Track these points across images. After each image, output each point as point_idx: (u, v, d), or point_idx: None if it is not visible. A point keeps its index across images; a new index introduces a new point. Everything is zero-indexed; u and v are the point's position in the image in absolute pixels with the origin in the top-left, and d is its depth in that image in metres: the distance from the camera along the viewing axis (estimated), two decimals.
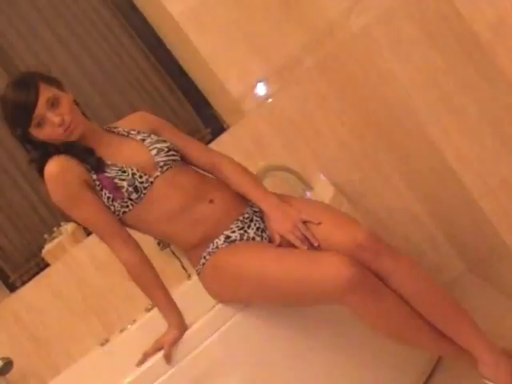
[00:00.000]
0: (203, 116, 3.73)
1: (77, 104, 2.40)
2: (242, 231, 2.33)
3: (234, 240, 2.32)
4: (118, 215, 2.31)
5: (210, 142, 3.39)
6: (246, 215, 2.37)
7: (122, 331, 3.30)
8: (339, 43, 2.88)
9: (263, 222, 2.37)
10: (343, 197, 3.13)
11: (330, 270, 2.03)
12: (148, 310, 3.23)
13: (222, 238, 2.32)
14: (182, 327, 2.29)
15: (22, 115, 2.22)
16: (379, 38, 2.33)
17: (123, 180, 2.26)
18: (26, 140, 2.32)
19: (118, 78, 3.72)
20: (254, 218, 2.37)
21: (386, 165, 3.27)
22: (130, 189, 2.26)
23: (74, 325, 3.40)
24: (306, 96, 3.29)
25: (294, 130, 3.31)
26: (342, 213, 2.38)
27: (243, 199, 2.41)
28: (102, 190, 2.28)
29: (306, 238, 2.19)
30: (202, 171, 2.47)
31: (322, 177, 3.28)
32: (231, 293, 2.30)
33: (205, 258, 2.33)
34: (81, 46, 3.71)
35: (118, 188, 2.26)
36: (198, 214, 2.32)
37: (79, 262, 3.40)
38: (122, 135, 2.43)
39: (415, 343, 2.20)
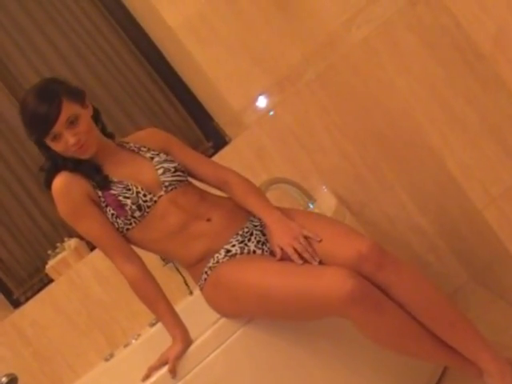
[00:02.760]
0: (205, 129, 3.73)
1: (97, 115, 2.46)
2: (242, 245, 2.33)
3: (235, 254, 2.31)
4: (121, 232, 2.32)
5: (212, 155, 3.39)
6: (246, 229, 2.38)
7: (126, 346, 3.30)
8: (340, 55, 2.88)
9: (264, 235, 2.37)
10: (346, 208, 3.13)
11: (332, 283, 2.02)
12: (152, 325, 3.23)
13: (223, 252, 2.32)
14: (187, 341, 2.28)
15: (39, 127, 2.24)
16: (379, 49, 2.33)
17: (127, 198, 2.28)
18: (40, 145, 2.33)
19: (118, 92, 3.71)
20: (254, 231, 2.38)
21: (388, 175, 3.27)
22: (134, 207, 2.28)
23: (78, 340, 3.40)
24: (307, 108, 3.29)
25: (295, 142, 3.31)
26: (345, 225, 2.37)
27: (242, 214, 2.42)
28: (106, 206, 2.30)
29: (307, 252, 2.18)
30: (201, 189, 2.48)
31: (325, 189, 3.28)
32: (233, 307, 2.29)
33: (206, 273, 2.33)
34: (79, 59, 3.71)
35: (121, 206, 2.27)
36: (196, 231, 2.33)
37: (83, 277, 3.40)
38: (133, 151, 2.45)
39: (419, 355, 2.19)
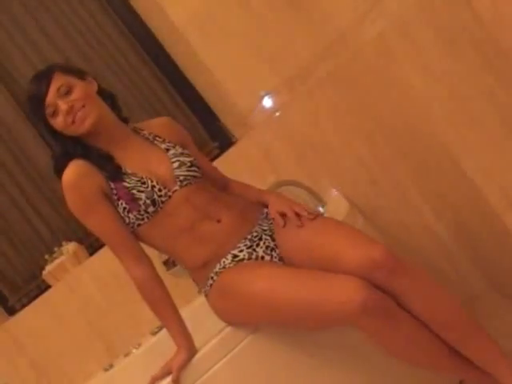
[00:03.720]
0: (210, 130, 3.73)
1: (112, 98, 2.47)
2: (250, 250, 2.32)
3: (242, 259, 2.30)
4: (132, 227, 2.31)
5: (217, 156, 3.39)
6: (255, 233, 2.37)
7: (126, 355, 3.28)
8: (352, 52, 2.87)
9: (273, 240, 2.36)
10: (358, 212, 3.11)
11: (342, 294, 2.01)
12: (154, 334, 3.21)
13: (230, 257, 2.31)
14: (192, 350, 2.27)
15: (35, 105, 2.28)
16: (394, 45, 2.32)
17: (141, 192, 2.27)
18: (47, 130, 2.34)
19: (122, 91, 3.71)
20: (264, 236, 2.37)
21: (402, 178, 3.24)
22: (148, 201, 2.27)
23: (77, 349, 3.40)
24: (318, 107, 3.27)
25: (305, 143, 3.30)
26: (357, 230, 2.34)
27: (252, 217, 2.43)
28: (118, 199, 2.28)
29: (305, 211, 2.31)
30: (215, 190, 2.48)
31: (335, 191, 3.27)
32: (239, 315, 2.28)
33: (212, 278, 2.32)
34: (83, 58, 3.72)
35: (134, 200, 2.26)
36: (205, 232, 2.32)
37: (81, 283, 3.40)
38: (147, 139, 2.45)
39: (434, 367, 2.18)
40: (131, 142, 2.42)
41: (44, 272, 3.52)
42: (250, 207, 2.47)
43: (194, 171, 2.38)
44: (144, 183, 2.28)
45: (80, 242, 3.63)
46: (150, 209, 2.27)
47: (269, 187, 2.99)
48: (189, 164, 2.37)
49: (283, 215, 2.37)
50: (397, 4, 2.45)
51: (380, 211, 3.30)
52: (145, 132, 2.48)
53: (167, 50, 3.73)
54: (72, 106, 2.26)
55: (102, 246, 3.45)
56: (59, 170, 2.31)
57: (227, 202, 2.43)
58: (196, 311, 3.03)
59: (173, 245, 2.35)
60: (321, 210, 3.11)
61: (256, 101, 3.34)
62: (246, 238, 2.35)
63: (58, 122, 2.28)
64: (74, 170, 2.28)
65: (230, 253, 2.32)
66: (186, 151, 2.43)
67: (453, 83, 2.25)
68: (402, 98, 2.53)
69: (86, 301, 3.39)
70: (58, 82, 2.28)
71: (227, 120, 3.66)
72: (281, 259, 2.32)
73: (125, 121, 2.50)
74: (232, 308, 2.28)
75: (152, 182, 2.29)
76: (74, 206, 2.28)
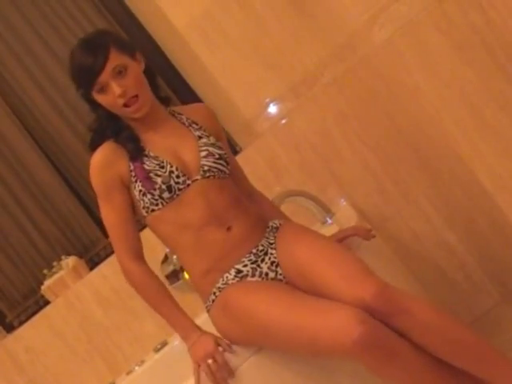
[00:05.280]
0: None
1: (152, 75, 2.47)
2: (254, 265, 2.34)
3: (246, 275, 2.33)
4: (146, 211, 2.33)
5: None
6: (261, 247, 2.38)
7: (128, 373, 3.29)
8: (360, 57, 2.89)
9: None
10: (367, 223, 3.12)
11: (339, 328, 2.01)
12: (157, 351, 3.23)
13: (233, 272, 2.33)
14: (208, 334, 2.29)
15: (86, 78, 2.29)
16: (404, 50, 2.35)
17: (159, 176, 2.29)
18: (89, 102, 2.38)
19: None
20: (269, 250, 2.38)
21: (412, 187, 3.26)
22: (163, 187, 2.28)
23: (77, 367, 3.41)
24: (325, 114, 3.28)
25: (311, 151, 3.31)
26: (353, 262, 2.27)
27: (261, 229, 2.43)
28: (136, 181, 2.32)
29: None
30: (237, 193, 2.48)
31: (344, 201, 3.29)
32: (239, 335, 2.29)
33: (214, 294, 2.34)
34: None
35: (151, 182, 2.29)
36: (211, 238, 2.33)
37: (82, 298, 3.40)
38: (183, 124, 2.48)
39: None
40: (166, 125, 2.45)
41: (43, 287, 3.53)
42: (263, 219, 2.48)
43: (221, 165, 2.39)
44: (163, 167, 2.31)
45: (80, 256, 3.64)
46: (165, 194, 2.29)
47: (275, 198, 3.00)
48: (217, 156, 2.38)
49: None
50: (407, 8, 2.48)
51: (390, 220, 3.31)
52: (183, 116, 2.50)
53: (167, 55, 3.74)
54: (125, 90, 2.28)
55: (102, 260, 3.49)
56: (92, 146, 2.40)
57: (244, 209, 2.43)
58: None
59: (176, 241, 2.37)
60: (329, 221, 3.14)
61: (261, 108, 3.35)
62: (251, 253, 2.36)
63: (106, 100, 2.31)
64: (102, 157, 2.36)
65: (233, 267, 2.34)
66: (218, 143, 2.44)
67: (464, 88, 2.29)
68: (411, 103, 2.56)
69: (87, 317, 3.39)
70: (114, 61, 2.28)
71: (231, 128, 3.66)
72: (285, 275, 2.34)
73: (164, 100, 2.53)
74: (232, 328, 2.30)
75: (172, 167, 2.31)
76: (95, 188, 2.38)
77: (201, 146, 2.38)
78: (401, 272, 3.05)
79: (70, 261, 3.54)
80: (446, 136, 2.40)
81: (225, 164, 2.41)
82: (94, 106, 2.38)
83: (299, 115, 3.32)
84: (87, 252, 3.69)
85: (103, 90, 2.29)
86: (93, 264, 3.61)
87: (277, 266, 2.35)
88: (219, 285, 2.33)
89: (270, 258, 2.36)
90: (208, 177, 2.34)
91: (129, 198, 2.35)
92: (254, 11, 3.30)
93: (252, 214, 2.45)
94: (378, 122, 3.18)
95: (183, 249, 2.38)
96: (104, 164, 2.35)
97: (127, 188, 2.35)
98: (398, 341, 2.07)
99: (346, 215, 3.10)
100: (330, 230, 2.85)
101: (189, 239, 2.34)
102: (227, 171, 2.42)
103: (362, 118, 3.24)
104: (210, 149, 2.38)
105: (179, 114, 2.52)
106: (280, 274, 2.34)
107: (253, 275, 2.33)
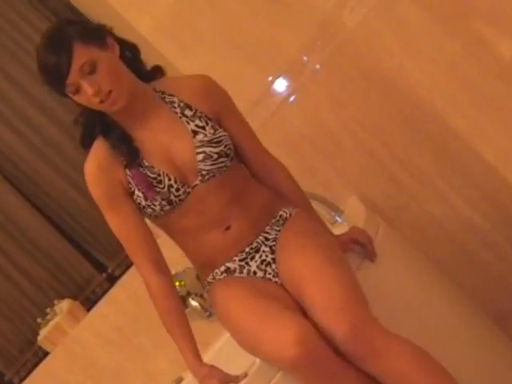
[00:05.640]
0: None
1: (131, 54, 2.50)
2: (242, 263, 2.52)
3: (234, 271, 2.53)
4: (149, 217, 2.51)
5: None
6: (254, 245, 2.53)
7: None
8: (341, 40, 3.00)
9: (272, 252, 2.53)
10: (378, 217, 3.17)
11: (278, 343, 2.20)
12: None
13: (222, 268, 2.54)
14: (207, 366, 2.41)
15: (54, 81, 2.33)
16: (381, 30, 2.44)
17: (157, 193, 2.41)
18: (68, 97, 2.40)
19: None
20: (262, 247, 2.53)
21: (425, 169, 3.32)
22: (164, 202, 2.42)
23: None
24: (318, 104, 3.37)
25: (309, 147, 3.40)
26: (342, 289, 2.33)
27: (262, 224, 2.56)
28: (134, 191, 2.44)
29: None
30: (240, 179, 2.58)
31: (352, 196, 3.38)
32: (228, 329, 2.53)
33: (206, 286, 2.60)
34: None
35: (152, 192, 2.41)
36: (211, 239, 2.51)
37: (83, 343, 3.51)
38: (175, 113, 2.49)
39: None
40: (156, 115, 2.48)
41: (39, 337, 3.63)
42: (268, 207, 2.58)
43: (221, 162, 2.45)
44: (160, 182, 2.41)
45: (74, 297, 3.78)
46: (167, 208, 2.43)
47: None
48: (216, 156, 2.43)
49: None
50: None
51: (405, 209, 3.39)
52: (174, 99, 2.51)
53: None
54: (98, 88, 2.30)
55: (99, 298, 3.62)
56: (84, 144, 2.50)
57: (246, 203, 2.54)
58: (216, 355, 3.21)
59: (177, 240, 2.57)
60: (338, 219, 3.25)
61: (247, 107, 3.35)
62: (243, 251, 2.53)
63: (82, 100, 2.36)
64: (95, 164, 2.47)
65: (224, 264, 2.54)
66: (217, 135, 2.47)
67: (452, 62, 2.39)
68: (401, 83, 2.67)
69: (92, 362, 3.48)
70: (80, 58, 2.29)
71: None
72: (275, 275, 2.50)
73: (152, 76, 2.55)
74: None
75: (170, 180, 2.41)
76: (95, 200, 2.49)
77: (197, 147, 2.42)
78: (423, 265, 3.13)
79: (64, 304, 3.67)
80: (443, 114, 2.50)
81: (224, 160, 2.46)
82: (78, 104, 2.43)
83: (290, 109, 3.41)
84: (82, 292, 3.84)
85: (76, 90, 2.33)
86: (90, 304, 3.74)
87: (267, 265, 2.51)
88: (209, 279, 2.56)
89: (260, 257, 2.52)
90: (208, 179, 2.44)
91: (134, 202, 2.46)
92: (222, 5, 3.39)
93: (255, 206, 2.55)
94: (375, 104, 3.24)
95: (185, 249, 2.58)
96: (99, 172, 2.45)
97: (129, 194, 2.45)
98: (341, 366, 2.23)
99: (355, 211, 3.18)
100: (340, 229, 2.94)
101: (190, 242, 2.54)
102: (228, 164, 2.48)
103: (358, 102, 3.30)
104: (207, 149, 2.43)
105: (170, 95, 2.51)
106: (269, 274, 2.50)
107: (240, 272, 2.52)
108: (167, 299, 2.46)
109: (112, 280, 3.97)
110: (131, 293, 3.48)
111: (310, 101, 3.40)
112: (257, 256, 2.53)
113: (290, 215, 2.58)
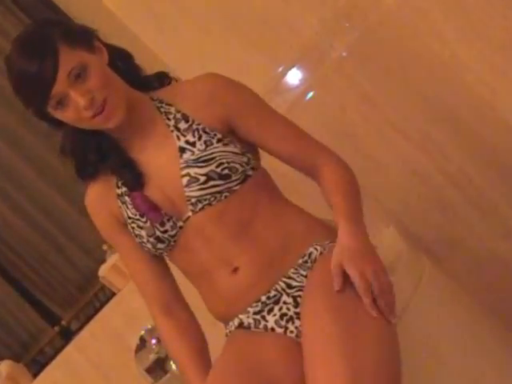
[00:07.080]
0: None
1: (123, 59, 2.57)
2: (258, 316, 2.48)
3: (248, 327, 2.50)
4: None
5: None
6: (273, 293, 2.48)
7: None
8: (369, 26, 3.04)
9: (297, 305, 2.45)
10: (422, 255, 3.05)
11: None
12: None
13: (236, 321, 2.53)
14: None
15: (34, 94, 2.34)
16: (428, 8, 2.43)
17: (141, 228, 2.47)
18: (46, 118, 2.44)
19: None
20: (283, 297, 2.47)
21: (486, 192, 3.34)
22: (152, 239, 2.47)
23: None
24: (342, 101, 3.39)
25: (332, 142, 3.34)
26: (344, 369, 2.14)
27: (282, 265, 2.49)
28: (127, 225, 2.54)
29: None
30: (252, 202, 2.53)
31: (389, 228, 3.26)
32: None
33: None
34: None
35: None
36: (217, 284, 2.51)
37: None
38: (167, 126, 2.51)
39: None
40: (149, 131, 2.52)
41: None
42: (293, 242, 2.52)
43: (213, 187, 2.42)
44: (142, 216, 2.47)
45: (17, 358, 3.73)
46: (159, 246, 2.47)
47: None
48: (203, 180, 2.41)
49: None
50: None
51: (459, 243, 3.40)
52: (171, 109, 2.53)
53: None
54: (92, 98, 2.32)
55: (49, 360, 3.60)
56: (82, 178, 2.59)
57: (256, 235, 2.50)
58: None
59: (192, 282, 2.61)
60: None
61: None
62: (258, 301, 2.48)
63: (68, 117, 2.37)
64: (93, 196, 2.63)
65: (237, 316, 2.52)
66: (209, 150, 2.45)
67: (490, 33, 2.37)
68: (453, 78, 2.65)
69: None
70: (68, 63, 2.31)
71: None
72: (297, 334, 2.42)
73: (150, 84, 2.62)
74: None
75: None
76: (99, 230, 2.68)
77: (182, 168, 2.43)
78: (480, 320, 3.08)
79: (2, 367, 3.61)
80: (495, 105, 2.50)
81: (219, 183, 2.42)
82: (55, 122, 2.44)
83: (306, 109, 3.41)
84: (27, 351, 3.82)
85: (61, 103, 2.34)
86: (37, 367, 3.72)
87: (288, 321, 2.45)
88: (226, 331, 2.60)
89: (280, 309, 2.47)
90: (200, 209, 2.45)
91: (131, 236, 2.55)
92: None
93: (272, 241, 2.50)
94: (420, 106, 3.25)
95: (200, 294, 2.62)
96: (96, 204, 2.63)
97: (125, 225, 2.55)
98: None
99: (392, 247, 3.05)
100: None
101: (198, 286, 2.60)
102: (226, 186, 2.44)
103: (395, 101, 3.31)
104: (192, 171, 2.42)
105: (168, 104, 2.54)
106: (291, 332, 2.44)
107: (256, 327, 2.49)
108: (176, 344, 2.61)
109: (67, 335, 3.98)
110: (91, 354, 3.50)
111: (333, 98, 3.41)
112: (276, 308, 2.48)
113: (321, 253, 2.47)
